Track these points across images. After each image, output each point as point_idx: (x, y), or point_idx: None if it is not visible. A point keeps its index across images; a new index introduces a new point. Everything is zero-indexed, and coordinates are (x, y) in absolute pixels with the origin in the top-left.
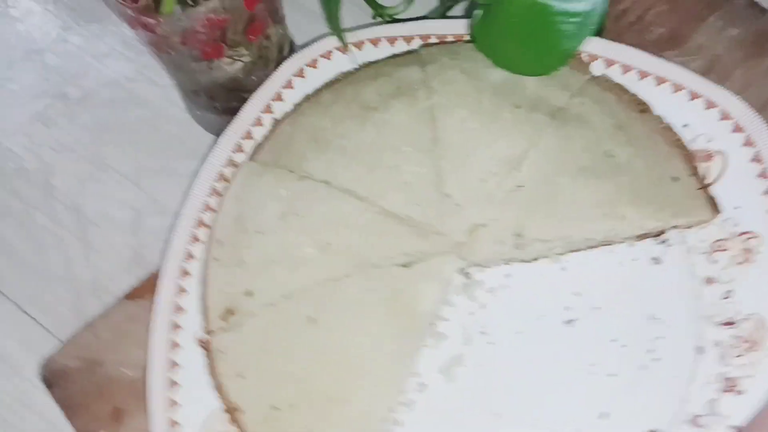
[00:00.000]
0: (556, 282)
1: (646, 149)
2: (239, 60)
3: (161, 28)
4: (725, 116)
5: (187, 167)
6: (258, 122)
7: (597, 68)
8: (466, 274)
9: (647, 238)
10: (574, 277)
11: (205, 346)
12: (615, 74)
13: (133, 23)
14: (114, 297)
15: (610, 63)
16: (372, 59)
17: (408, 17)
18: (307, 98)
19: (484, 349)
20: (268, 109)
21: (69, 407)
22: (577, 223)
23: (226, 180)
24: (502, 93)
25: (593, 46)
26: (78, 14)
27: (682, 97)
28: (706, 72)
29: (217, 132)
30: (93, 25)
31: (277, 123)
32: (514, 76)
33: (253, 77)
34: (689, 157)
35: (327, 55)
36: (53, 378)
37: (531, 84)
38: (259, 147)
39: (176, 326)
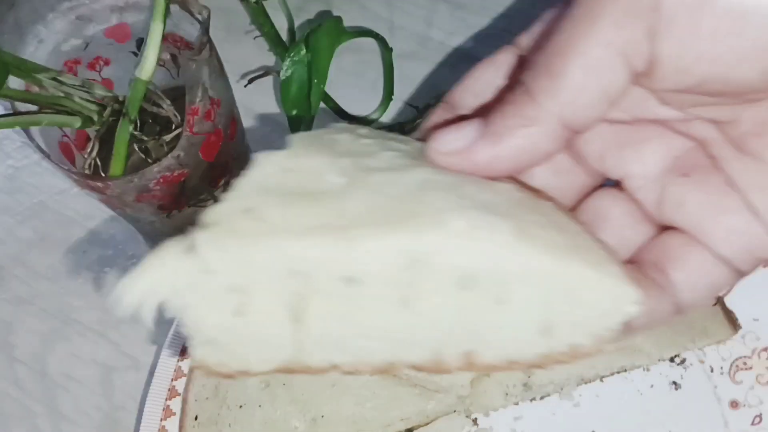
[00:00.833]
0: (570, 421)
1: None
2: (203, 206)
3: (111, 190)
4: None
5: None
6: None
7: None
8: (474, 420)
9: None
10: (589, 413)
11: None
12: None
13: (81, 184)
14: None
15: None
16: None
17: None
18: None
19: None
20: None
21: None
22: (589, 362)
23: None
24: None
25: None
26: (28, 150)
27: None
28: None
29: None
30: (44, 161)
31: None
32: None
33: None
34: None
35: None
36: None
37: None
38: None
39: None
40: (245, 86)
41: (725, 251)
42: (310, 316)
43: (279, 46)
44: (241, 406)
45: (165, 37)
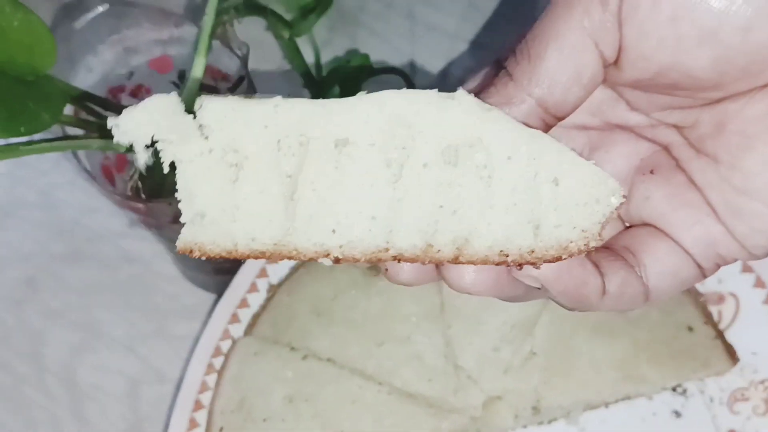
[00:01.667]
0: None
1: None
2: None
3: (150, 212)
4: None
5: (183, 329)
6: (253, 288)
7: None
8: None
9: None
10: None
11: None
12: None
13: (121, 205)
14: None
15: None
16: None
17: None
18: (304, 263)
19: None
20: (263, 273)
21: None
22: (596, 388)
23: (222, 354)
24: None
25: None
26: (63, 168)
27: None
28: None
29: (211, 289)
30: (79, 179)
31: (273, 289)
32: None
33: None
34: (702, 303)
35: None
36: None
37: None
38: (256, 318)
39: None
40: None
41: (688, 243)
42: (302, 188)
43: (310, 82)
44: (265, 420)
45: (205, 70)
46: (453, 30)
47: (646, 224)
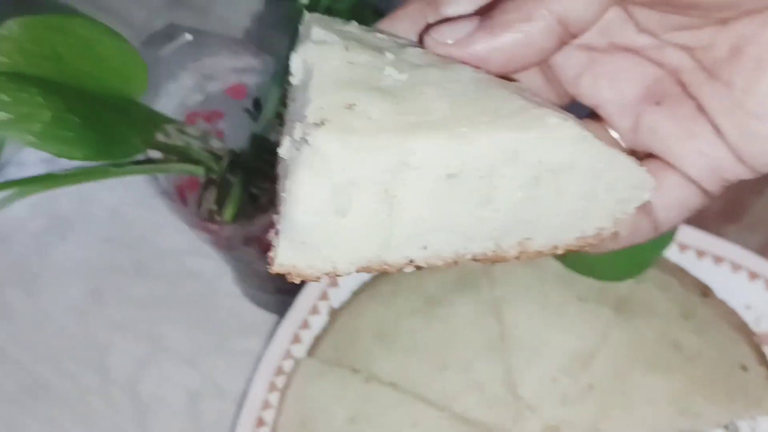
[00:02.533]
0: None
1: (713, 337)
2: None
3: (223, 233)
4: None
5: (243, 345)
6: (315, 310)
7: None
8: None
9: None
10: None
11: None
12: (673, 253)
13: (195, 225)
14: None
15: None
16: None
17: None
18: (365, 287)
19: None
20: (324, 296)
21: None
22: (652, 422)
23: (284, 373)
24: (565, 283)
25: None
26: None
27: (742, 277)
28: (765, 247)
29: (271, 309)
30: (146, 197)
31: (334, 312)
32: None
33: None
34: (756, 342)
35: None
36: None
37: None
38: (318, 340)
39: None
40: None
41: (694, 173)
42: (401, 213)
43: None
44: None
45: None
46: None
47: (651, 155)
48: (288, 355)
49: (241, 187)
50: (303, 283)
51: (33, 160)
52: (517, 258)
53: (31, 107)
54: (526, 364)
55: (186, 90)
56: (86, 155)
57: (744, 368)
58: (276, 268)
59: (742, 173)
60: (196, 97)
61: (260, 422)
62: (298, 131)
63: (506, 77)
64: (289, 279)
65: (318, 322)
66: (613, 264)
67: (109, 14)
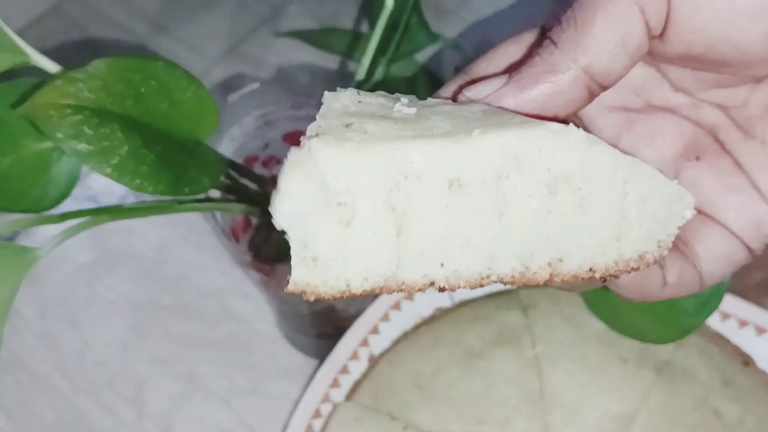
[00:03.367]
0: None
1: (754, 407)
2: None
3: (274, 275)
4: None
5: (278, 388)
6: (355, 356)
7: None
8: None
9: None
10: None
11: None
12: (715, 321)
13: (247, 265)
14: None
15: None
16: (468, 296)
17: None
18: (405, 336)
19: None
20: (365, 342)
21: None
22: None
23: (321, 416)
24: (607, 343)
25: None
26: (177, 224)
27: None
28: None
29: (310, 353)
30: (192, 236)
31: (374, 360)
32: None
33: (352, 309)
34: None
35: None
36: None
37: None
38: (357, 385)
39: None
40: None
41: (737, 228)
42: (410, 224)
43: None
44: None
45: None
46: None
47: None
48: (326, 398)
49: None
50: (343, 329)
51: (80, 196)
52: (550, 281)
53: (111, 141)
54: (564, 423)
55: (247, 135)
56: (158, 190)
57: None
58: (291, 287)
59: None
60: (256, 142)
61: None
62: None
63: None
64: (305, 298)
65: (358, 367)
66: (656, 326)
67: None
